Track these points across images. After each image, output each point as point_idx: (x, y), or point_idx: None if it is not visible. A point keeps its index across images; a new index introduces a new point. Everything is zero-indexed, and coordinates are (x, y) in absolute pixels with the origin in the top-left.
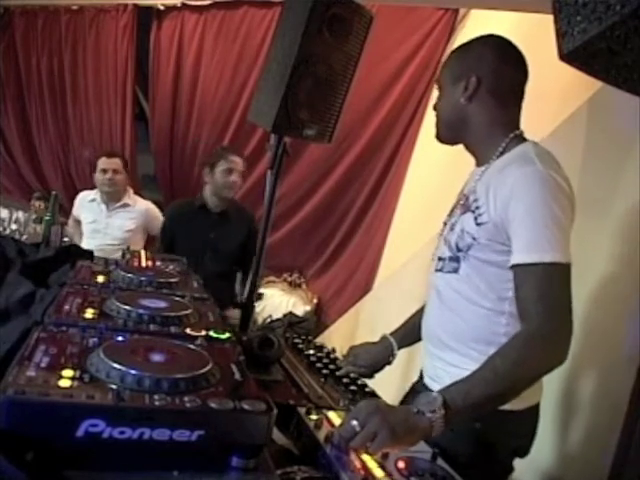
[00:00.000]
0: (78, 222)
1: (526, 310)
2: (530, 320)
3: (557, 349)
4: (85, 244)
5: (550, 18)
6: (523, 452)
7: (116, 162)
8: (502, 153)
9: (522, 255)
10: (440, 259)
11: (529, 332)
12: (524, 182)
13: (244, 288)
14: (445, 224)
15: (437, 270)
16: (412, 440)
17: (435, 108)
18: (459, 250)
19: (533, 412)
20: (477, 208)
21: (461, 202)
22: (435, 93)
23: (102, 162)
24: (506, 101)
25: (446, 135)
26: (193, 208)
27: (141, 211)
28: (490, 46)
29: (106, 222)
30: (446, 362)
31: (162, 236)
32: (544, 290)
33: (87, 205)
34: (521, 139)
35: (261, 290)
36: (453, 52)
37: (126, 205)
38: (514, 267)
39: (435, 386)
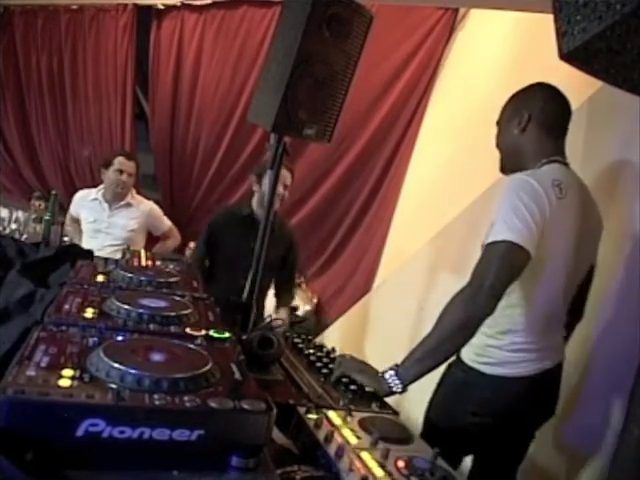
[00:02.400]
0: (77, 221)
1: (478, 272)
2: (484, 277)
3: (467, 304)
4: (86, 244)
5: (550, 18)
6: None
7: (133, 166)
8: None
9: (490, 237)
10: None
11: (479, 288)
12: (506, 187)
13: (280, 300)
14: None
15: None
16: (369, 381)
17: (497, 145)
18: None
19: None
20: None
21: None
22: (436, 93)
23: (120, 162)
24: (551, 133)
25: (507, 165)
26: (239, 217)
27: (144, 211)
28: (539, 89)
29: (108, 222)
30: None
31: (202, 242)
32: (480, 261)
33: (88, 204)
34: (551, 162)
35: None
36: (510, 98)
37: (129, 205)
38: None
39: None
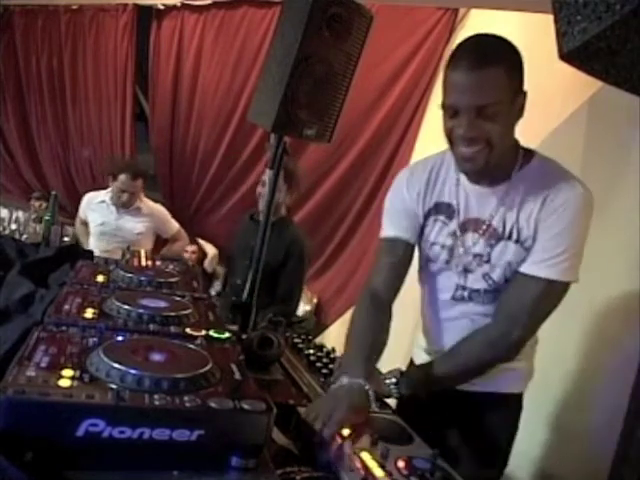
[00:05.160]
0: (86, 224)
1: (512, 314)
2: (509, 324)
3: (489, 349)
4: (93, 246)
5: (550, 18)
6: None
7: (137, 185)
8: (520, 168)
9: (540, 268)
10: (469, 289)
11: (502, 336)
12: (569, 205)
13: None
14: (449, 250)
15: (461, 299)
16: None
17: (479, 138)
18: (507, 281)
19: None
20: (519, 236)
21: (481, 229)
22: (436, 93)
23: (122, 182)
24: None
25: (493, 164)
26: (246, 218)
27: (152, 214)
28: (519, 52)
29: (116, 224)
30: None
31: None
32: (515, 295)
33: (95, 207)
34: (527, 150)
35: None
36: (499, 66)
37: (138, 209)
38: (523, 275)
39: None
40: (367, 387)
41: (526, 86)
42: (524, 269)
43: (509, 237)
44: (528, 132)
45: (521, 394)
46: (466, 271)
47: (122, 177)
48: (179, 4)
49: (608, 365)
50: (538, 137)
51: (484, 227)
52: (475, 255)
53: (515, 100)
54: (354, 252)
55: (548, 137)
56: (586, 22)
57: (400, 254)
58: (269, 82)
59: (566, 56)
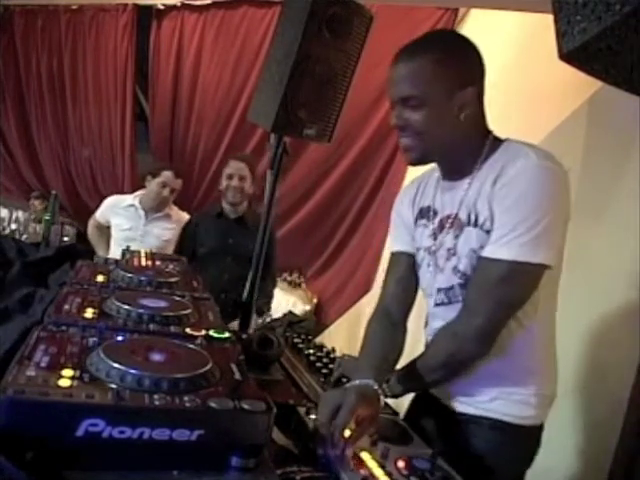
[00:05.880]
0: (102, 228)
1: (472, 301)
2: (469, 313)
3: (485, 346)
4: (113, 252)
5: (550, 18)
6: None
7: (179, 183)
8: (486, 158)
9: (495, 248)
10: (444, 289)
11: (462, 325)
12: (519, 176)
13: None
14: (429, 253)
15: (442, 304)
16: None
17: (406, 128)
18: (475, 271)
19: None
20: (477, 219)
21: (448, 223)
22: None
23: (166, 177)
24: (483, 99)
25: (433, 155)
26: (211, 216)
27: (179, 221)
28: (472, 47)
29: (144, 230)
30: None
31: (180, 243)
32: (498, 289)
33: (121, 211)
34: (497, 138)
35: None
36: (426, 58)
37: (167, 215)
38: (483, 258)
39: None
40: (375, 387)
41: (526, 86)
42: (484, 253)
43: (470, 223)
44: (528, 132)
45: (532, 427)
46: (441, 270)
47: (167, 173)
48: (179, 4)
49: (608, 365)
50: (538, 137)
51: (451, 220)
52: (447, 250)
53: (452, 93)
54: (354, 252)
55: (548, 137)
56: (586, 22)
57: (403, 267)
58: (269, 82)
59: (566, 56)
